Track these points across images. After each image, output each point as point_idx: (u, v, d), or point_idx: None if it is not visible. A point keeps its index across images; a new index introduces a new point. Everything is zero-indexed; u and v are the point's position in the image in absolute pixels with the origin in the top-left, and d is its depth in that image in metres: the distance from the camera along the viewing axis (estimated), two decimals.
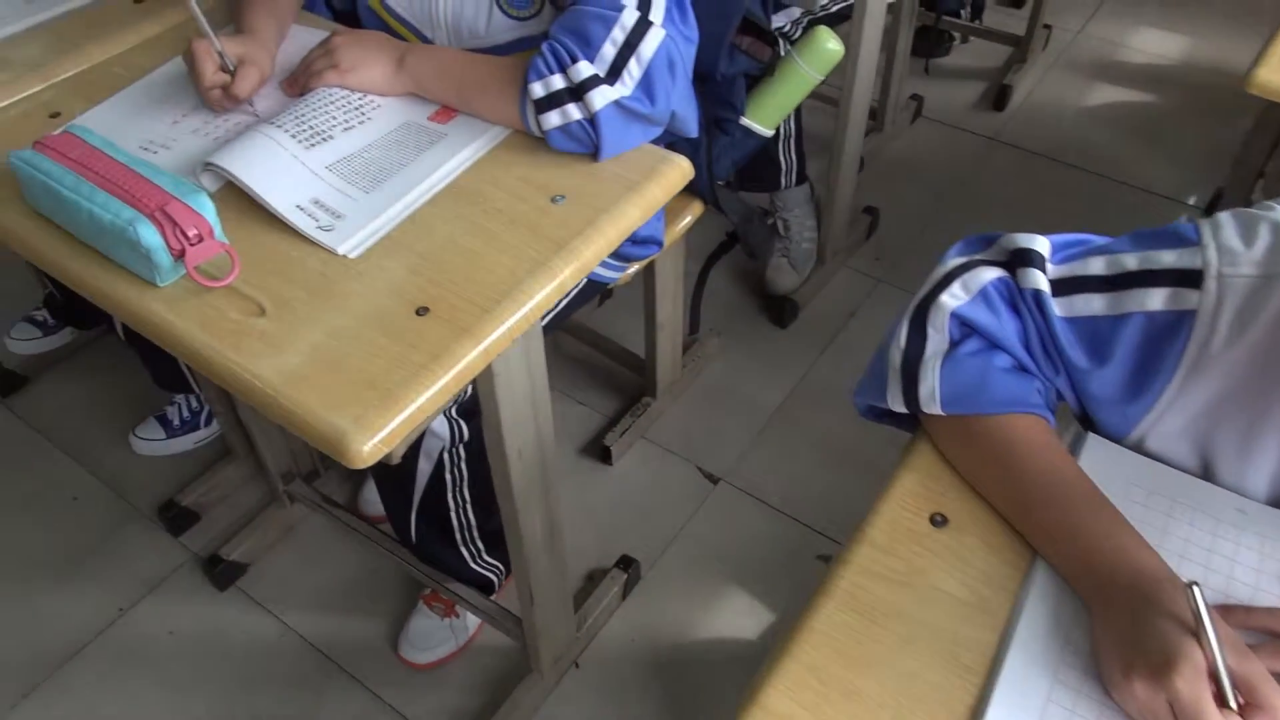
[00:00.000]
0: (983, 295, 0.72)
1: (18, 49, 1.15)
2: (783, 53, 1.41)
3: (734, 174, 1.54)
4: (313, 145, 0.97)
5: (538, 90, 0.94)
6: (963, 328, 0.72)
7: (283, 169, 0.94)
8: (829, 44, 1.43)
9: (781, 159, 1.87)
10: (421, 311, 0.83)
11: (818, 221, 2.02)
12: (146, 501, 1.71)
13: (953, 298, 0.72)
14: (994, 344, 0.71)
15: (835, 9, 1.78)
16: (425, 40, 1.15)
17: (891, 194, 2.28)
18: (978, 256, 0.75)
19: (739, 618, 1.57)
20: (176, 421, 1.68)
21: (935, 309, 0.72)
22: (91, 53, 1.15)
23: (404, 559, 1.51)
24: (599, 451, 1.76)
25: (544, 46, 0.94)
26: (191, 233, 0.83)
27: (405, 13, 1.14)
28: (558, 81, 0.93)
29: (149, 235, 0.82)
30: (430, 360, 0.79)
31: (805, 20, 1.79)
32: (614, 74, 0.93)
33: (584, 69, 0.92)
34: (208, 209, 0.85)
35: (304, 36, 1.15)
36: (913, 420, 0.78)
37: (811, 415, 1.84)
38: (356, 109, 1.03)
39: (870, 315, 2.03)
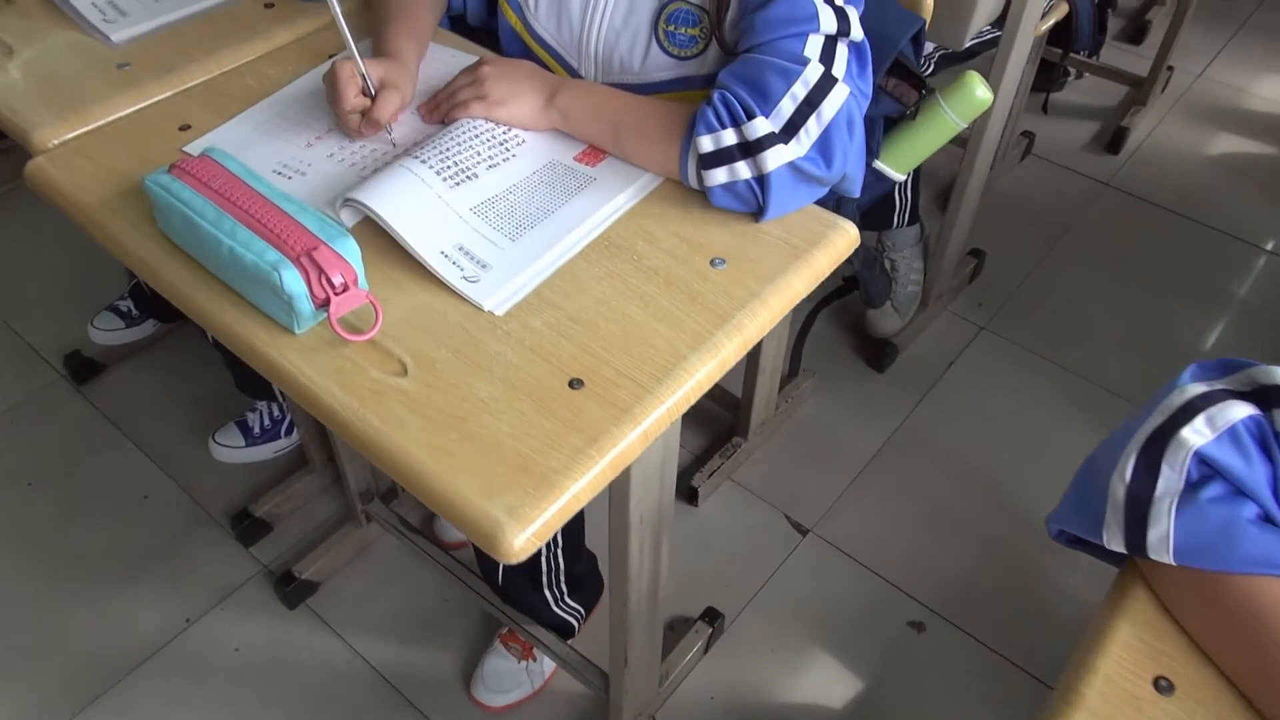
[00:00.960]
0: (1231, 434, 0.63)
1: (147, 50, 1.10)
2: (927, 96, 1.32)
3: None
4: (457, 184, 0.90)
5: (706, 144, 0.86)
6: (1202, 468, 0.64)
7: (427, 210, 0.87)
8: (978, 91, 1.33)
9: (897, 198, 1.79)
10: (576, 384, 0.77)
11: (925, 263, 1.93)
12: (218, 506, 1.66)
13: (1196, 434, 0.64)
14: (1241, 492, 0.63)
15: (970, 45, 1.69)
16: (570, 70, 1.07)
17: (997, 235, 2.18)
18: (1221, 386, 0.66)
19: (826, 683, 1.49)
20: (257, 429, 1.63)
21: (1175, 444, 0.64)
22: (222, 59, 1.09)
23: (481, 593, 1.45)
24: (685, 491, 1.69)
25: (715, 96, 0.87)
26: (338, 281, 0.77)
27: (553, 40, 1.07)
28: (729, 137, 0.86)
29: (293, 282, 0.76)
30: (588, 444, 0.72)
31: (937, 56, 1.70)
32: (790, 132, 0.86)
33: (760, 126, 0.84)
34: (354, 255, 0.79)
35: (442, 58, 1.09)
36: (1116, 554, 0.70)
37: (906, 467, 1.76)
38: (501, 144, 0.96)
39: (970, 364, 1.94)
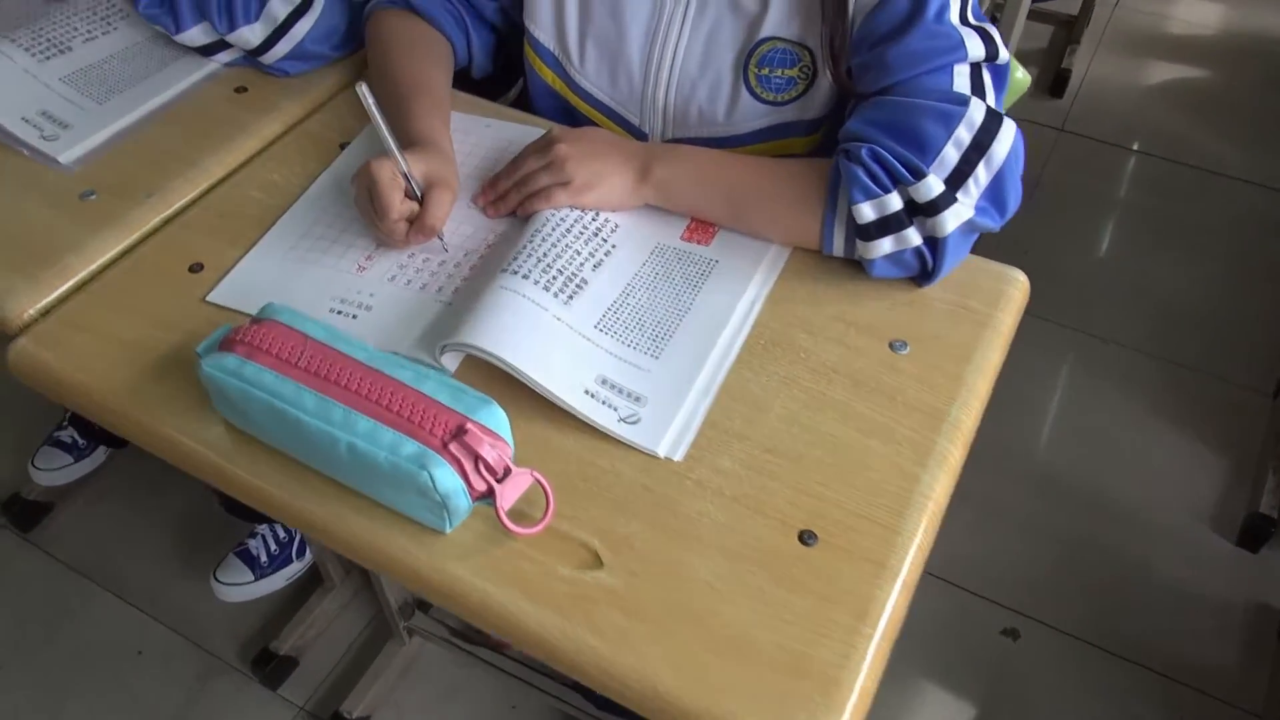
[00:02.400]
0: None
1: (111, 169, 0.88)
2: None
3: None
4: (570, 298, 0.75)
5: (867, 213, 0.73)
6: None
7: (550, 339, 0.72)
8: (1018, 74, 1.24)
9: None
10: (808, 538, 0.63)
11: None
12: (230, 649, 1.46)
13: None
14: None
15: None
16: (632, 130, 0.92)
17: None
18: None
19: (939, 708, 1.41)
20: (264, 557, 1.42)
21: None
22: (209, 168, 0.89)
23: (552, 693, 1.31)
24: None
25: (864, 154, 0.73)
26: (499, 465, 0.61)
27: (606, 97, 0.92)
28: (894, 202, 0.73)
29: (447, 479, 0.60)
30: (857, 619, 0.59)
31: None
32: (956, 184, 0.73)
33: (933, 185, 0.72)
34: (505, 427, 0.63)
35: (473, 130, 0.92)
36: None
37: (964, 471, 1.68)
38: (595, 234, 0.80)
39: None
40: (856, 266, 0.80)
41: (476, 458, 0.61)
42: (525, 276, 0.75)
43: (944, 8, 0.75)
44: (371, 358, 0.65)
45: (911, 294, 0.78)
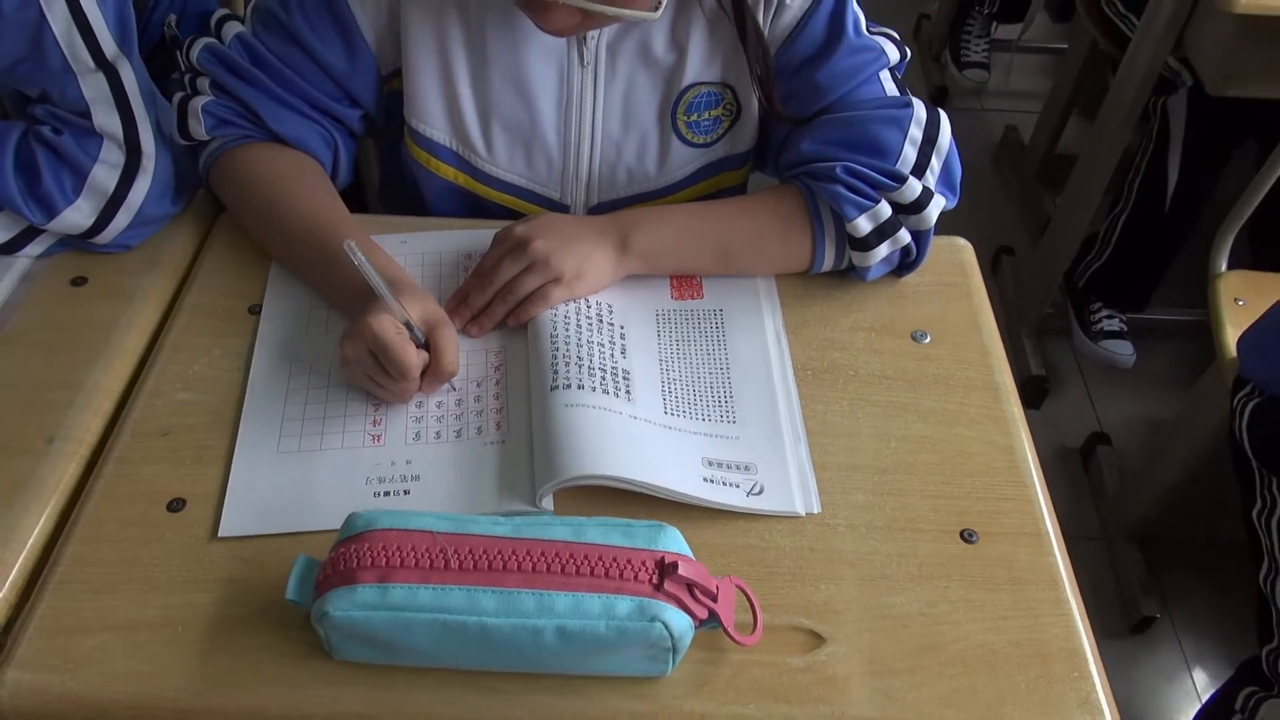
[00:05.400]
0: None
1: None
2: None
3: None
4: (626, 392, 0.71)
5: (864, 225, 0.77)
6: None
7: (643, 441, 0.68)
8: None
9: None
10: (969, 536, 0.67)
11: None
12: None
13: None
14: None
15: None
16: (553, 205, 0.88)
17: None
18: None
19: None
20: None
21: None
22: (103, 384, 0.72)
23: None
24: None
25: (839, 172, 0.77)
26: (712, 586, 0.58)
27: (522, 179, 0.87)
28: (885, 209, 0.77)
29: (678, 620, 0.55)
30: (1052, 589, 0.64)
31: None
32: (920, 177, 0.79)
33: (914, 185, 0.77)
34: (685, 545, 0.59)
35: (390, 249, 0.82)
36: None
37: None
38: (602, 321, 0.77)
39: None
40: (838, 278, 0.84)
41: (690, 585, 0.57)
42: (580, 387, 0.70)
43: (857, 23, 0.81)
44: (517, 529, 0.58)
45: (896, 287, 0.84)
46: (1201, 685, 1.51)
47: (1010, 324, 1.95)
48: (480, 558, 0.56)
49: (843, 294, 0.83)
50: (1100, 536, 1.67)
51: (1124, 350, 1.82)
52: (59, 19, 0.78)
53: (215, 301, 0.80)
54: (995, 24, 2.47)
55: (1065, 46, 2.27)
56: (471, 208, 0.90)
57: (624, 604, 0.55)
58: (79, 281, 0.80)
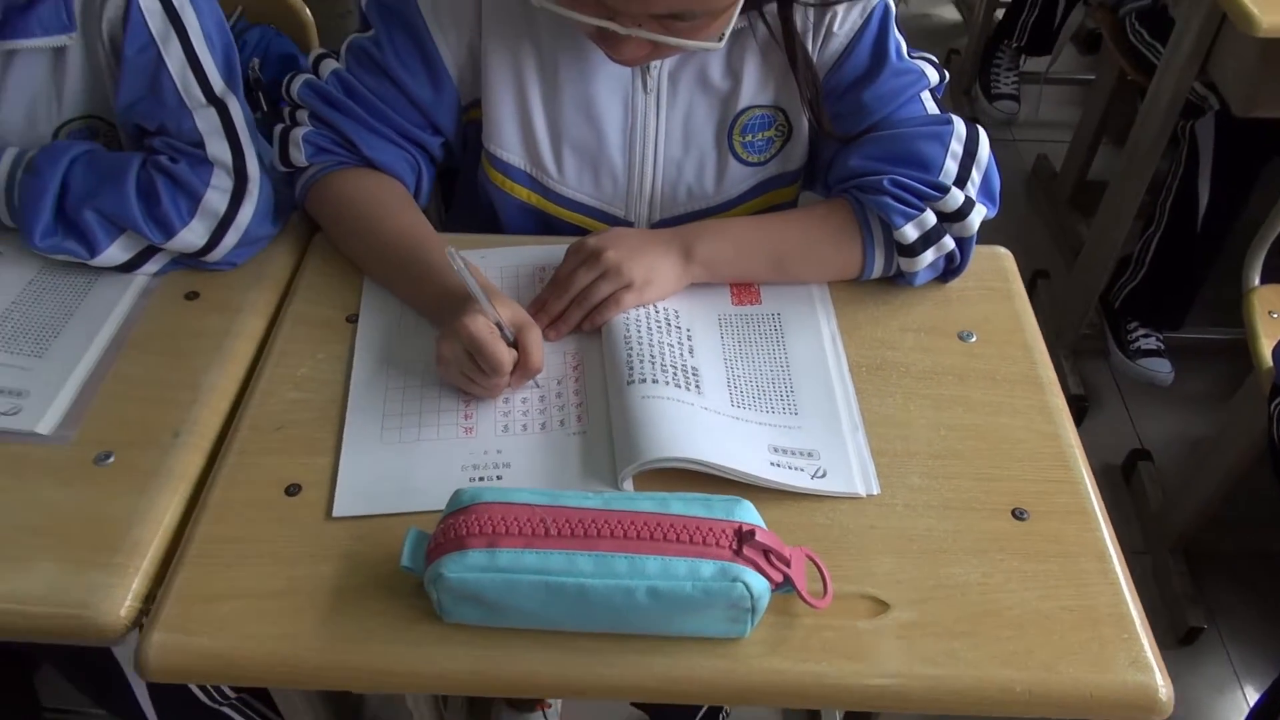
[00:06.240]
0: None
1: (106, 423, 0.76)
2: None
3: None
4: (698, 387, 0.78)
5: (911, 233, 0.83)
6: None
7: (713, 429, 0.74)
8: None
9: None
10: (1020, 514, 0.72)
11: None
12: None
13: None
14: None
15: None
16: (616, 222, 0.95)
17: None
18: None
19: None
20: None
21: None
22: (219, 385, 0.80)
23: None
24: None
25: (886, 184, 0.83)
26: (786, 552, 0.63)
27: (590, 199, 0.94)
28: (930, 217, 0.83)
29: (757, 582, 0.61)
30: (1100, 560, 0.69)
31: None
32: (962, 189, 0.86)
33: (958, 195, 0.83)
34: (759, 517, 0.65)
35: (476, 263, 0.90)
36: None
37: None
38: (669, 324, 0.83)
39: None
40: (886, 284, 0.90)
41: (766, 551, 0.62)
42: (655, 381, 0.76)
43: (899, 48, 0.88)
44: (606, 502, 0.64)
45: (942, 292, 0.90)
46: (1251, 695, 1.52)
47: (1048, 345, 1.98)
48: (576, 526, 0.62)
49: (891, 298, 0.89)
50: (1145, 550, 1.69)
51: (1162, 368, 1.86)
52: (175, 60, 0.87)
53: (315, 312, 0.87)
54: (1024, 57, 2.54)
55: (1093, 77, 2.33)
56: (542, 225, 0.97)
57: (707, 567, 0.61)
58: (191, 296, 0.88)
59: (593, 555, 0.61)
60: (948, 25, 3.02)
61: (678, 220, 0.95)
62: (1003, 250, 0.94)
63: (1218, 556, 1.67)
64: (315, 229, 0.95)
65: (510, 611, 0.63)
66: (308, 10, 1.24)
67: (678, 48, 0.78)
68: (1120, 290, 1.88)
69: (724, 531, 0.62)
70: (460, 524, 0.63)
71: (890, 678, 0.63)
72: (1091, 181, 2.23)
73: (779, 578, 0.63)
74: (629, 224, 0.96)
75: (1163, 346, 1.88)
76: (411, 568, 0.63)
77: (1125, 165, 1.73)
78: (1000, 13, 2.57)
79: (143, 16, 0.86)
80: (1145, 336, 1.88)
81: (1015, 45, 2.49)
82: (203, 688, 1.08)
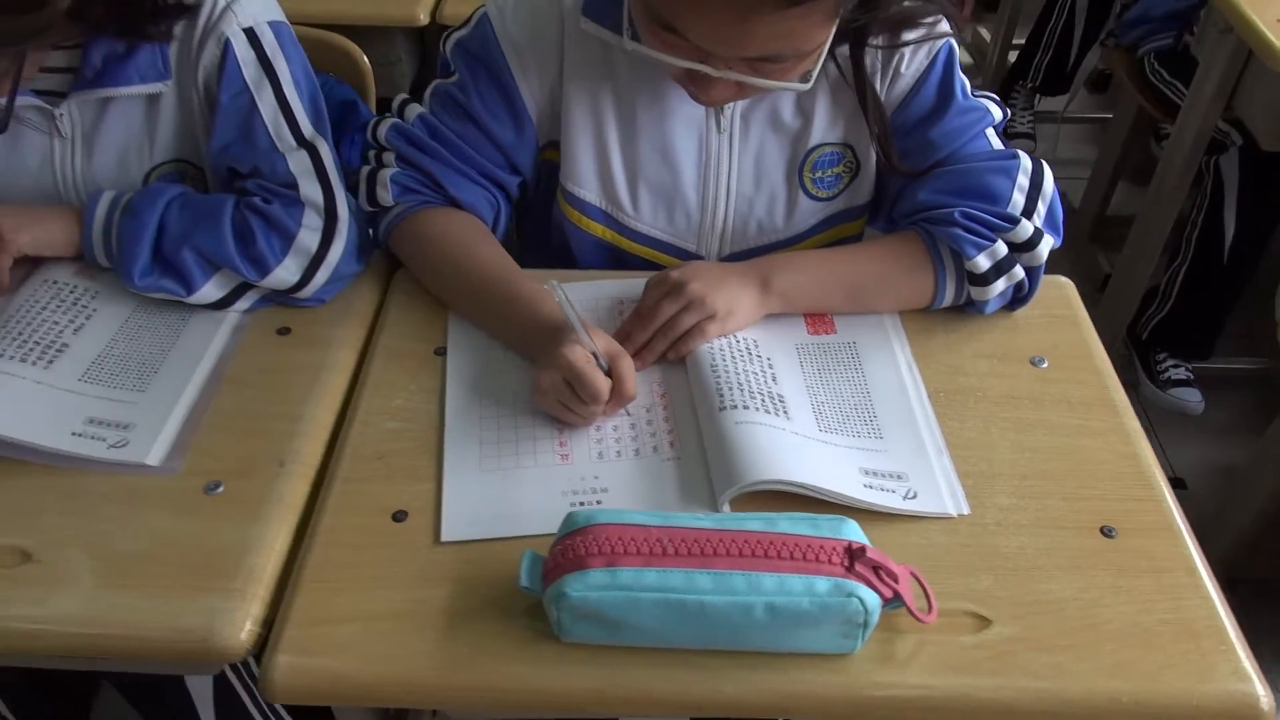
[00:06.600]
0: None
1: (212, 453, 0.78)
2: None
3: None
4: (785, 412, 0.80)
5: (983, 263, 0.86)
6: None
7: (805, 452, 0.77)
8: None
9: None
10: (1109, 531, 0.74)
11: None
12: None
13: None
14: None
15: None
16: (687, 256, 0.98)
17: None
18: None
19: None
20: None
21: None
22: (317, 417, 0.82)
23: None
24: None
25: (957, 216, 0.86)
26: (895, 569, 0.65)
27: (664, 234, 0.97)
28: (1001, 248, 0.86)
29: (871, 598, 0.63)
30: (1190, 575, 0.71)
31: None
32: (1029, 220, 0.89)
33: (1027, 226, 0.86)
34: (864, 536, 0.67)
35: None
36: None
37: None
38: (749, 354, 0.86)
39: None
40: (955, 313, 0.92)
41: (877, 567, 0.64)
42: (745, 407, 0.79)
43: (964, 87, 0.92)
44: (718, 523, 0.66)
45: (1010, 320, 0.93)
46: None
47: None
48: (692, 545, 0.64)
49: (962, 327, 0.92)
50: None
51: (1193, 397, 1.88)
52: (267, 106, 0.91)
53: (403, 345, 0.90)
54: (1038, 96, 2.61)
55: (1108, 116, 2.39)
56: (614, 259, 1.00)
57: (822, 583, 0.63)
58: (283, 331, 0.91)
59: (711, 573, 0.63)
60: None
61: (747, 254, 0.98)
62: (1064, 280, 0.97)
63: (1256, 583, 1.68)
64: (396, 266, 0.98)
65: (629, 629, 0.64)
66: (366, 59, 1.29)
67: (765, 89, 0.82)
68: (1148, 322, 1.91)
69: (834, 549, 0.64)
70: (578, 544, 0.65)
71: (1000, 690, 0.64)
72: (1110, 217, 2.28)
73: (889, 593, 0.65)
74: (700, 258, 0.99)
75: (1192, 376, 1.91)
76: (530, 588, 0.65)
77: (1151, 201, 1.78)
78: (1013, 55, 2.64)
79: (238, 65, 0.90)
80: (1175, 367, 1.91)
81: (1030, 85, 2.55)
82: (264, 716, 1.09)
